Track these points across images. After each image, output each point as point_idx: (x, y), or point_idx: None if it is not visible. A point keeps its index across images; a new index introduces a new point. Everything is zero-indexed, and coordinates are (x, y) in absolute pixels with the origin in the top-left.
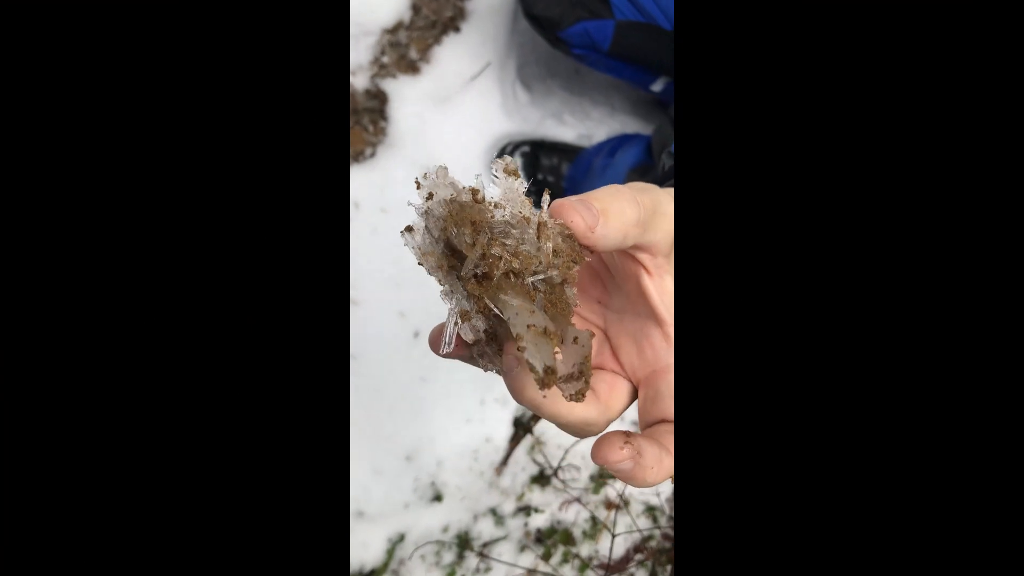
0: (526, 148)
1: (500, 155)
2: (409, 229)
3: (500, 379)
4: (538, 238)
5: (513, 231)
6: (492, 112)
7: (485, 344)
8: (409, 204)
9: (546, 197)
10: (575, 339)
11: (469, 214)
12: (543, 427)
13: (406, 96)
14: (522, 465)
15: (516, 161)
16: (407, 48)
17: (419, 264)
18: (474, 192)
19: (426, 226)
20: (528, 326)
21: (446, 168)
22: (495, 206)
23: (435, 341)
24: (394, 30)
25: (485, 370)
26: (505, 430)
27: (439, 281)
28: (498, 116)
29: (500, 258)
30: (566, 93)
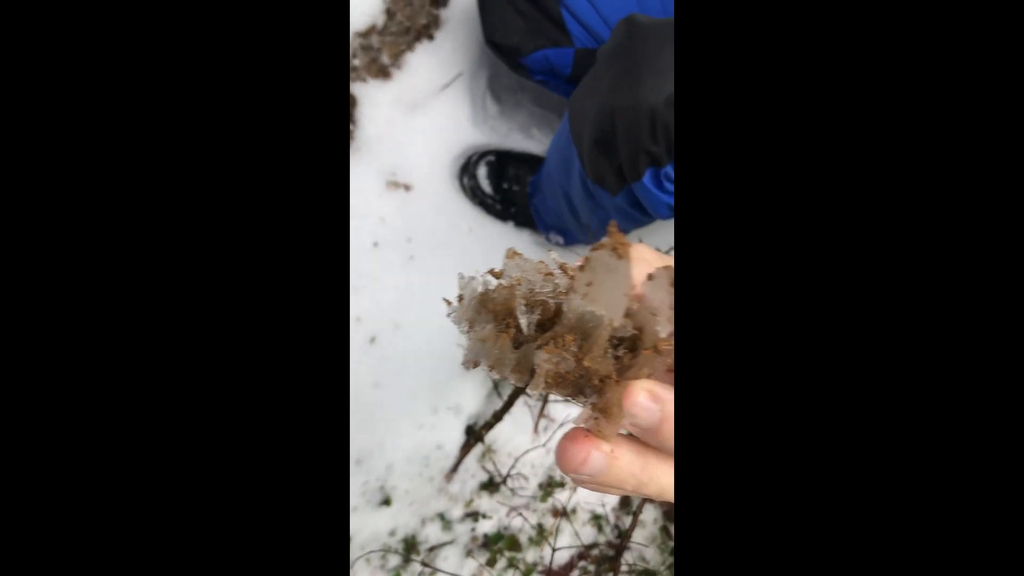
0: (492, 157)
1: (467, 164)
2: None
3: (453, 388)
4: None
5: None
6: (461, 122)
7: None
8: (449, 317)
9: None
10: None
11: (497, 300)
12: (494, 436)
13: (376, 101)
14: (472, 472)
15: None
16: (379, 53)
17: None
18: (496, 275)
19: (470, 334)
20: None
21: (462, 275)
22: (517, 283)
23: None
24: (366, 34)
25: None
26: (457, 437)
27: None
28: (467, 126)
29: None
30: (535, 107)
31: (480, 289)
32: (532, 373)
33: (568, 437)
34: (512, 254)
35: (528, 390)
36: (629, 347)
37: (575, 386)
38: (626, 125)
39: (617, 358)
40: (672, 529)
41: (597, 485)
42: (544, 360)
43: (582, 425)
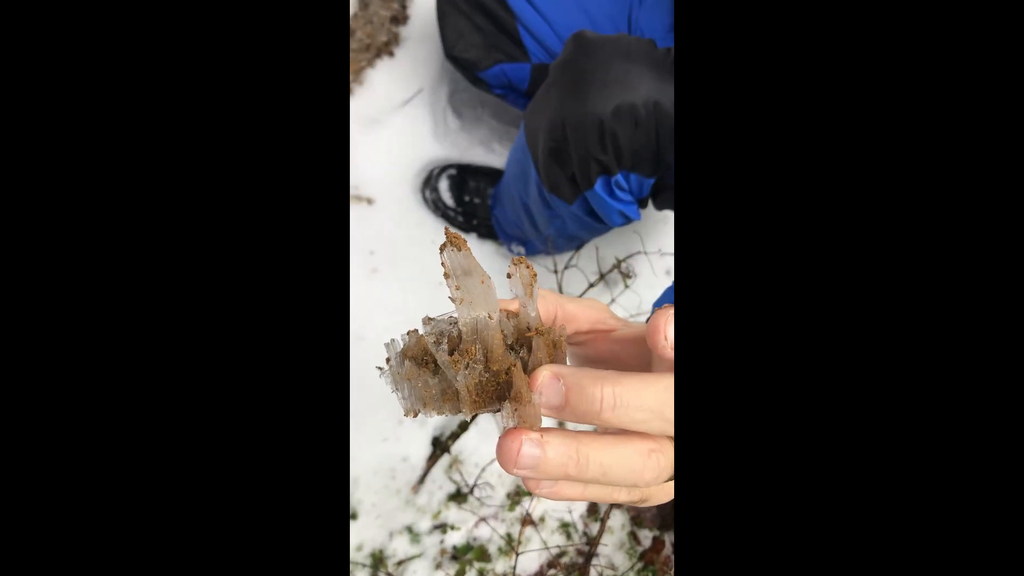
0: (453, 171)
1: (429, 178)
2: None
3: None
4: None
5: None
6: (422, 137)
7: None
8: (381, 378)
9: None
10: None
11: (415, 344)
12: (460, 446)
13: None
14: (439, 483)
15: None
16: None
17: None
18: (410, 333)
19: (398, 387)
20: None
21: (385, 343)
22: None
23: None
24: None
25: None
26: (423, 449)
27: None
28: (428, 141)
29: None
30: (495, 121)
31: (400, 347)
32: (458, 395)
33: (502, 436)
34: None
35: (462, 414)
36: (526, 345)
37: (496, 395)
38: (576, 135)
39: (519, 356)
40: (639, 534)
41: (541, 478)
42: (460, 376)
43: (511, 424)
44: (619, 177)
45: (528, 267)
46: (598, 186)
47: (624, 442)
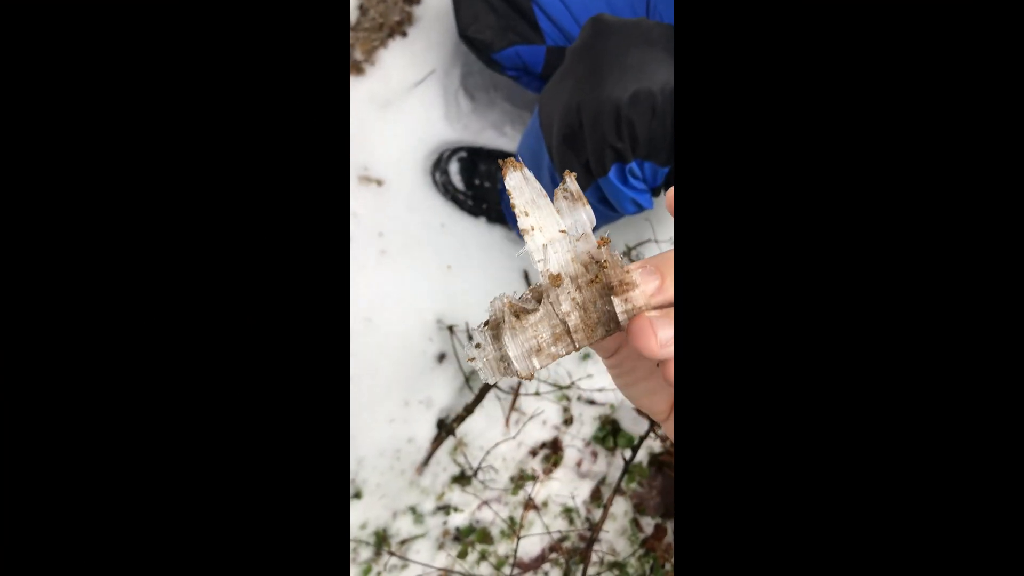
0: (463, 154)
1: (439, 160)
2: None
3: (425, 381)
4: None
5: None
6: (434, 119)
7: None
8: (470, 362)
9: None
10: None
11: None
12: (465, 428)
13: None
14: (443, 465)
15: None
16: (352, 48)
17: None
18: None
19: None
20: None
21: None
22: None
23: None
24: None
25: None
26: (428, 431)
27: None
28: (440, 123)
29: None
30: (508, 104)
31: (481, 328)
32: (567, 329)
33: (631, 325)
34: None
35: (578, 348)
36: (596, 262)
37: (600, 319)
38: (591, 121)
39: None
40: (641, 521)
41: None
42: (563, 300)
43: (637, 318)
44: (633, 165)
45: (573, 178)
46: (612, 174)
47: None
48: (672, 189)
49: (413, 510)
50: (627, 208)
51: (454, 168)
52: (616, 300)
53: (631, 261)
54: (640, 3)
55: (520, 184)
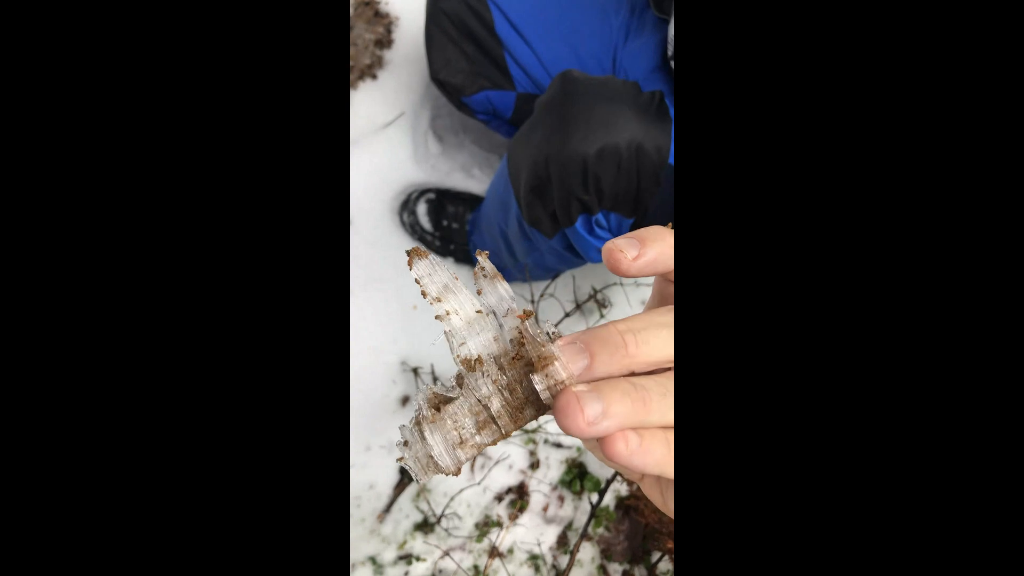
0: (432, 195)
1: (407, 201)
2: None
3: (387, 425)
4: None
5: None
6: (402, 160)
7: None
8: (399, 462)
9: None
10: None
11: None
12: None
13: None
14: (406, 512)
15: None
16: None
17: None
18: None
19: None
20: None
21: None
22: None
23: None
24: None
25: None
26: (390, 477)
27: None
28: (408, 164)
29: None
30: (476, 148)
31: (412, 419)
32: (491, 415)
33: (556, 403)
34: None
35: (504, 434)
36: (520, 336)
37: (527, 399)
38: (559, 173)
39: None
40: (608, 568)
41: (614, 430)
42: (483, 385)
43: (549, 396)
44: (599, 216)
45: (487, 258)
46: (578, 224)
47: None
48: (609, 244)
49: (373, 560)
50: (592, 256)
51: (422, 209)
52: (536, 377)
53: (559, 335)
54: (607, 58)
55: (429, 271)
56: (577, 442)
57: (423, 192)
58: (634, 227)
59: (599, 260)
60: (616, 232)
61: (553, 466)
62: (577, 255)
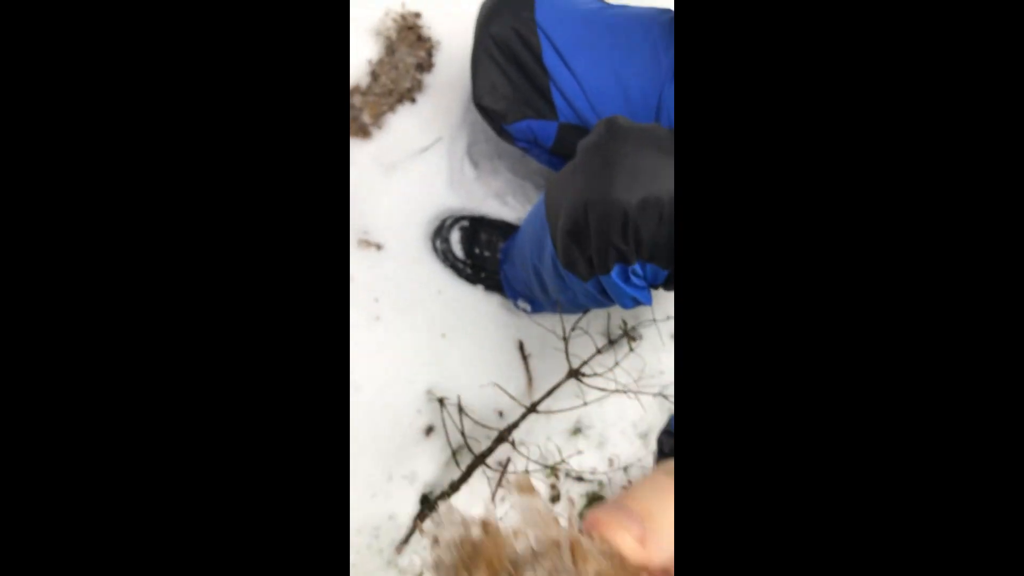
0: (465, 223)
1: (440, 227)
2: None
3: (410, 454)
4: (575, 565)
5: (543, 562)
6: (437, 185)
7: None
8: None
9: (572, 509)
10: None
11: (484, 554)
12: None
13: (354, 159)
14: (425, 544)
15: (527, 475)
16: (360, 112)
17: None
18: (485, 525)
19: None
20: None
21: (451, 504)
22: (515, 535)
23: None
24: (350, 94)
25: None
26: (411, 507)
27: None
28: (443, 190)
29: None
30: (511, 175)
31: (460, 533)
32: None
33: None
34: (527, 486)
35: None
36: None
37: None
38: (598, 221)
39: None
40: None
41: None
42: None
43: None
44: (636, 266)
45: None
46: (614, 273)
47: None
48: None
49: None
50: (626, 304)
51: (455, 236)
52: None
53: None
54: (653, 95)
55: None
56: (599, 476)
57: (457, 219)
58: (670, 278)
59: (631, 307)
60: (651, 281)
61: (574, 499)
62: (610, 299)
